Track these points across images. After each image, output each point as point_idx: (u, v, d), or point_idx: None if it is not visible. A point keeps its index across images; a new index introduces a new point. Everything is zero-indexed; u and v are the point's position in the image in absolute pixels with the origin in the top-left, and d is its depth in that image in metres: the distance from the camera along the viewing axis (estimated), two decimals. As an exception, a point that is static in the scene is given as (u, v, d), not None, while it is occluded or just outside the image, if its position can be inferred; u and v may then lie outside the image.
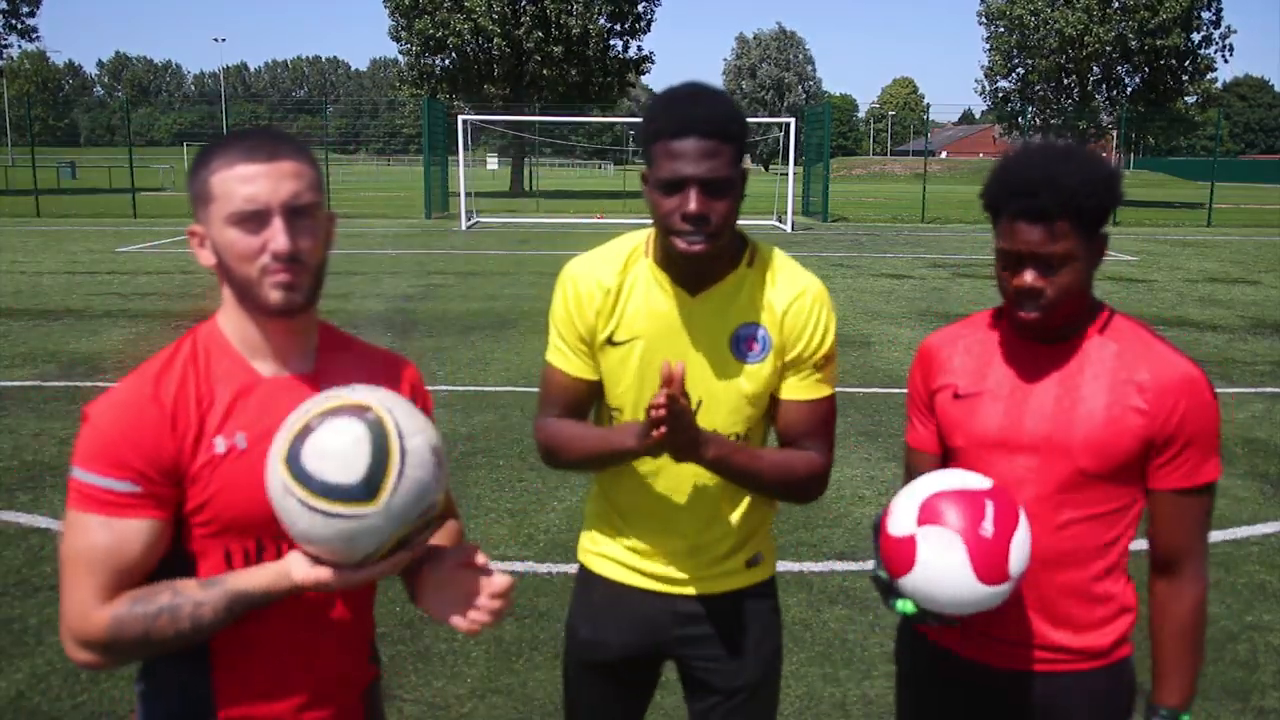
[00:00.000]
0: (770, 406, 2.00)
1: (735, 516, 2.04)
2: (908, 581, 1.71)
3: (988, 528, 1.65)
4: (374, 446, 1.36)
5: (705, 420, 1.88)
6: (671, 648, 2.11)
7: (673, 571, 2.05)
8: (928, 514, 1.69)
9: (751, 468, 1.92)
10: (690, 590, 2.06)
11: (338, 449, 1.36)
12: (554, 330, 2.03)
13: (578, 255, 2.02)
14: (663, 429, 1.73)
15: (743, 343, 1.93)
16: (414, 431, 1.41)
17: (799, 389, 1.95)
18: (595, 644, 2.13)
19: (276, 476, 1.39)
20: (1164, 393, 1.76)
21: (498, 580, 1.55)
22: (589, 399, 2.05)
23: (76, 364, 8.77)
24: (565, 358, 2.02)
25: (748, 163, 1.92)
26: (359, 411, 1.39)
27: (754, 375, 1.94)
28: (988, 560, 1.65)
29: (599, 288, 1.96)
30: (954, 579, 1.66)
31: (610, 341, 1.97)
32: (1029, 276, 1.74)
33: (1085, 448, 1.78)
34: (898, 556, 1.71)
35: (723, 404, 1.94)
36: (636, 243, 2.00)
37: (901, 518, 1.72)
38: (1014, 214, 1.73)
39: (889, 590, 1.78)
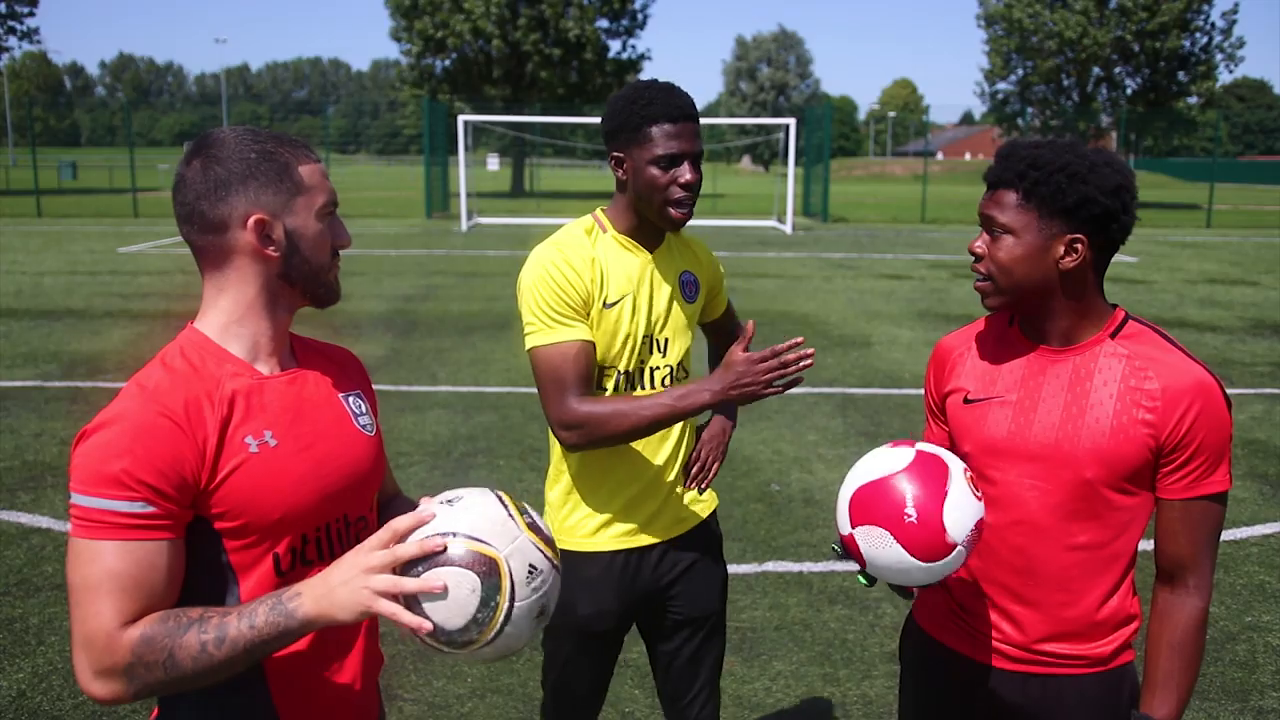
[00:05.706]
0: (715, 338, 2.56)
1: (682, 452, 2.30)
2: (869, 570, 1.79)
3: (911, 513, 1.70)
4: (480, 606, 1.36)
5: (672, 356, 2.25)
6: (655, 595, 2.33)
7: (655, 524, 2.29)
8: (857, 513, 1.75)
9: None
10: (670, 534, 2.32)
11: (450, 597, 1.35)
12: (545, 311, 2.11)
13: (537, 247, 2.20)
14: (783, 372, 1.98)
15: (686, 286, 2.30)
16: (527, 595, 1.39)
17: (722, 304, 2.50)
18: (598, 615, 2.28)
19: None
20: (1173, 400, 1.72)
21: None
22: (595, 365, 2.17)
23: (78, 364, 8.78)
24: (570, 327, 2.11)
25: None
26: (487, 568, 1.36)
27: (692, 312, 2.32)
28: (922, 543, 1.70)
29: (584, 259, 2.16)
30: (900, 567, 1.73)
31: (605, 305, 2.17)
32: (979, 240, 1.81)
33: (1091, 457, 1.75)
34: (851, 551, 1.79)
35: (680, 339, 2.28)
36: (585, 224, 2.24)
37: (841, 516, 1.80)
38: (986, 181, 1.83)
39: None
